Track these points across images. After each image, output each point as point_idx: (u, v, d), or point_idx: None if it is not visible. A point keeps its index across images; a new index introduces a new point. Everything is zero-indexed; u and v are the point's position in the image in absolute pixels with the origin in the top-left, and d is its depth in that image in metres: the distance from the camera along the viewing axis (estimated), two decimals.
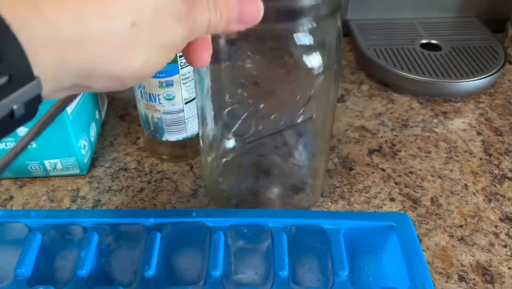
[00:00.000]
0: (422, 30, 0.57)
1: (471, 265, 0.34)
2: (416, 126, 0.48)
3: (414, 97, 0.51)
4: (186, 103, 0.39)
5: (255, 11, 0.21)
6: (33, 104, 0.16)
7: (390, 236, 0.29)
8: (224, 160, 0.35)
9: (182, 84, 0.37)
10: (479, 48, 0.54)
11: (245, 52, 0.27)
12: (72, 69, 0.16)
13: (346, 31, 0.60)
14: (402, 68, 0.50)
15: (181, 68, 0.36)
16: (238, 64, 0.28)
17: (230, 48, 0.28)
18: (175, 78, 0.37)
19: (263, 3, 0.21)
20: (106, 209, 0.38)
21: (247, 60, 0.28)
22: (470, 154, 0.45)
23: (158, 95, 0.38)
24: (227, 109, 0.31)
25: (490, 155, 0.44)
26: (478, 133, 0.47)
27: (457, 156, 0.44)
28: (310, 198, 0.37)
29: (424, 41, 0.55)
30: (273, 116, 0.30)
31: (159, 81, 0.37)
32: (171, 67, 0.36)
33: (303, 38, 0.27)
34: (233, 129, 0.32)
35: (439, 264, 0.34)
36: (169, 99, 0.38)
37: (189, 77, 0.37)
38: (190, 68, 0.37)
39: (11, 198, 0.39)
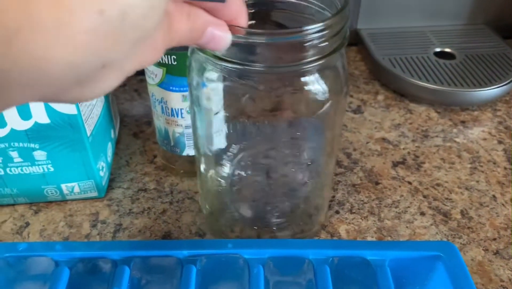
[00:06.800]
0: (434, 38, 0.57)
1: (510, 280, 0.34)
2: (436, 136, 0.47)
3: (431, 107, 0.51)
4: None
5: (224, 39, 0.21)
6: None
7: (437, 266, 0.28)
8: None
9: None
10: (492, 55, 0.54)
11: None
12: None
13: (357, 40, 0.59)
14: (420, 78, 0.50)
15: None
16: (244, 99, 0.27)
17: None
18: None
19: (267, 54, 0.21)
20: (129, 233, 0.36)
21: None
22: (494, 163, 0.44)
23: (181, 109, 0.36)
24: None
25: None
26: (499, 142, 0.47)
27: (481, 166, 0.44)
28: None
29: (437, 49, 0.55)
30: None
31: (183, 95, 0.35)
32: None
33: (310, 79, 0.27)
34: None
35: (478, 280, 0.34)
36: None
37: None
38: None
39: (27, 224, 0.37)
